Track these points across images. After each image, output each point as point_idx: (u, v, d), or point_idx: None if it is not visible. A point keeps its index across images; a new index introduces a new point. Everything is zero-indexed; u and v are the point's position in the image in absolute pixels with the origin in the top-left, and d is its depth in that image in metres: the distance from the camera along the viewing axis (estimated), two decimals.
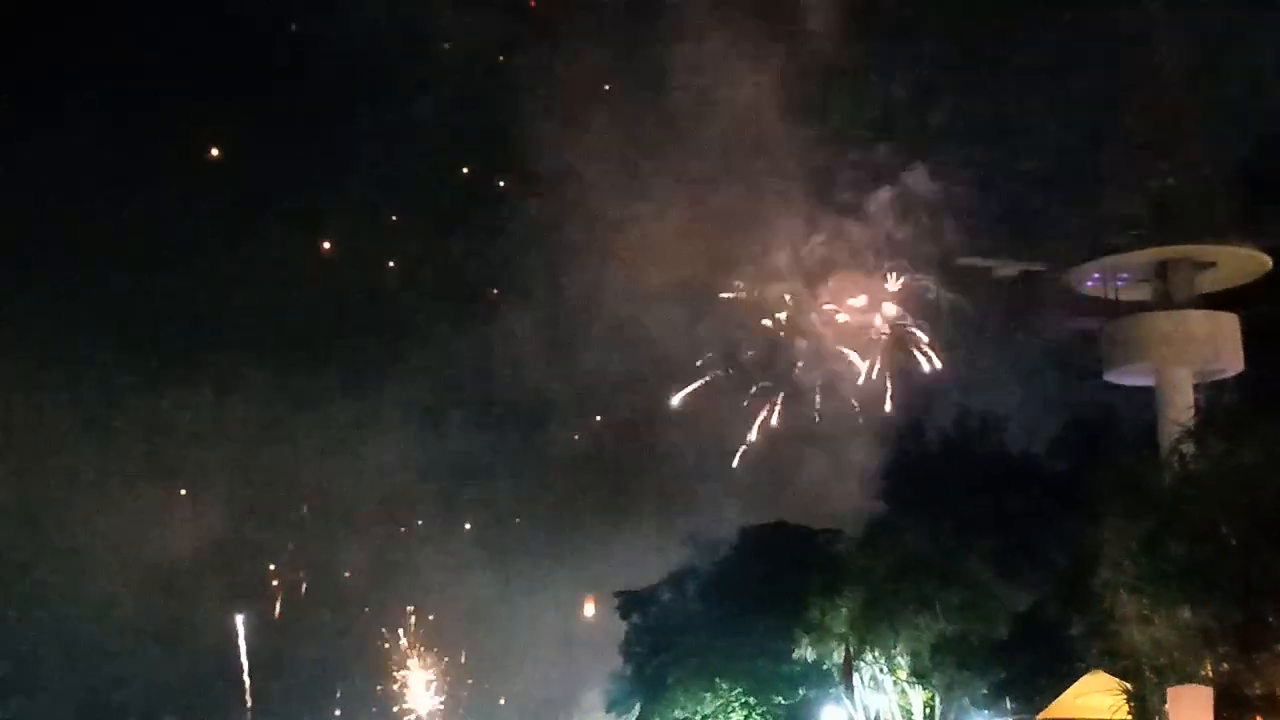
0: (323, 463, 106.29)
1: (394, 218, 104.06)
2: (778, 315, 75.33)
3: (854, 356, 73.79)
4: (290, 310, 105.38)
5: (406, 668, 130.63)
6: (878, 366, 73.55)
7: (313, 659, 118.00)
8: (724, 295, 76.37)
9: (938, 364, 72.38)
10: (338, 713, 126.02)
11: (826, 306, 74.03)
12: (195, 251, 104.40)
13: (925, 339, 72.42)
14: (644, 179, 76.40)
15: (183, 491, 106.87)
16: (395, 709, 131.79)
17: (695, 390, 79.74)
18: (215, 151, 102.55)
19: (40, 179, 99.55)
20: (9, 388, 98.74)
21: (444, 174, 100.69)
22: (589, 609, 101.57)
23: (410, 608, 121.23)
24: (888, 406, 73.30)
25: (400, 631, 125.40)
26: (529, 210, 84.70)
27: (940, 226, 70.76)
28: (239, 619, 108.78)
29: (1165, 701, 33.08)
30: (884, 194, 72.36)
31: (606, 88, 78.76)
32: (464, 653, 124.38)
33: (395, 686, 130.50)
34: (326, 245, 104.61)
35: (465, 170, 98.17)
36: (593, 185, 76.29)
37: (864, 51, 74.80)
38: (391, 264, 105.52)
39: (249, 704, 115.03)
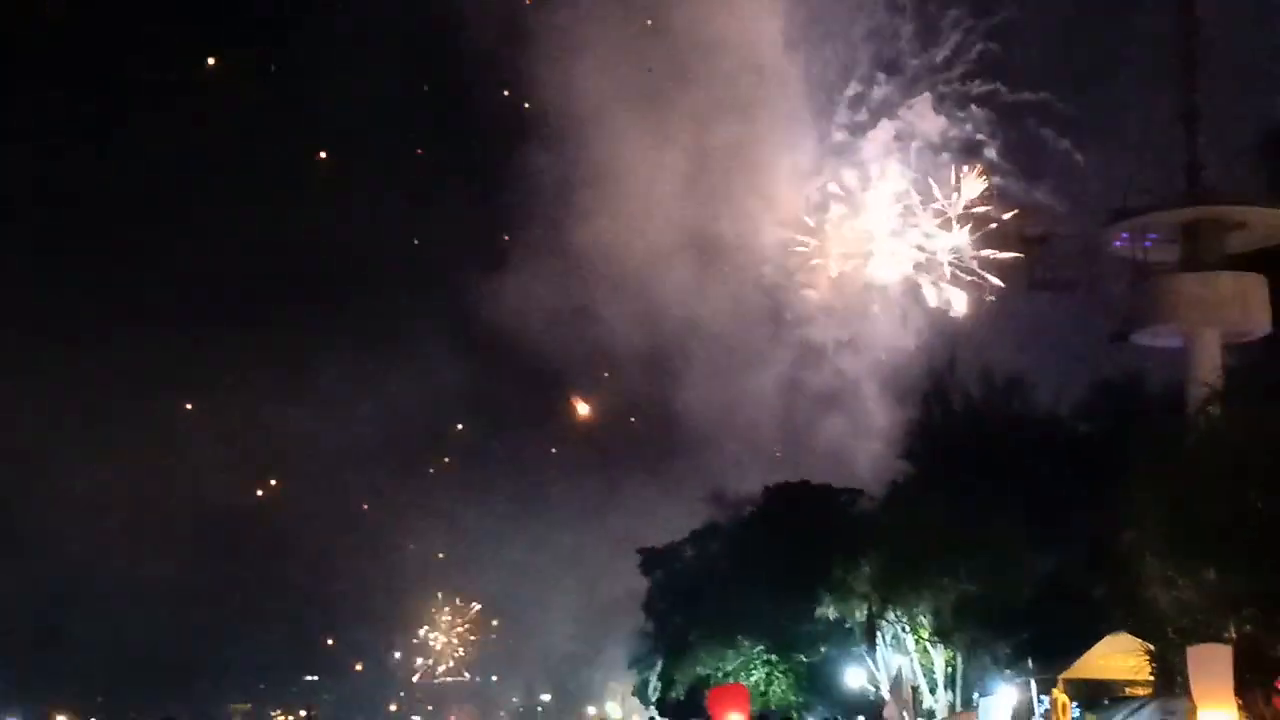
0: (343, 407, 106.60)
1: (409, 162, 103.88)
2: (797, 267, 74.72)
3: (876, 311, 73.27)
4: (307, 257, 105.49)
5: (433, 621, 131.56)
6: (902, 322, 73.11)
7: (334, 603, 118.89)
8: (741, 247, 75.73)
9: (961, 318, 71.89)
10: (359, 667, 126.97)
11: (845, 260, 73.33)
12: (209, 203, 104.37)
13: (949, 296, 71.88)
14: (654, 124, 75.75)
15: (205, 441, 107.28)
16: (419, 660, 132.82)
17: (716, 345, 79.46)
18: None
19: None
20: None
21: (455, 121, 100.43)
22: (583, 408, 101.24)
23: (440, 555, 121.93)
24: (911, 365, 72.96)
25: (428, 579, 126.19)
26: (541, 161, 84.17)
27: (965, 178, 69.98)
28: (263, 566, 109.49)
29: None
30: (907, 142, 71.52)
31: (612, 30, 77.77)
32: (490, 603, 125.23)
33: (421, 633, 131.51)
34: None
35: (473, 117, 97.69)
36: (601, 131, 75.66)
37: None
38: (411, 211, 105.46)
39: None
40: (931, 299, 71.68)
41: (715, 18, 74.02)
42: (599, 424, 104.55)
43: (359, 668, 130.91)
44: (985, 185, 68.77)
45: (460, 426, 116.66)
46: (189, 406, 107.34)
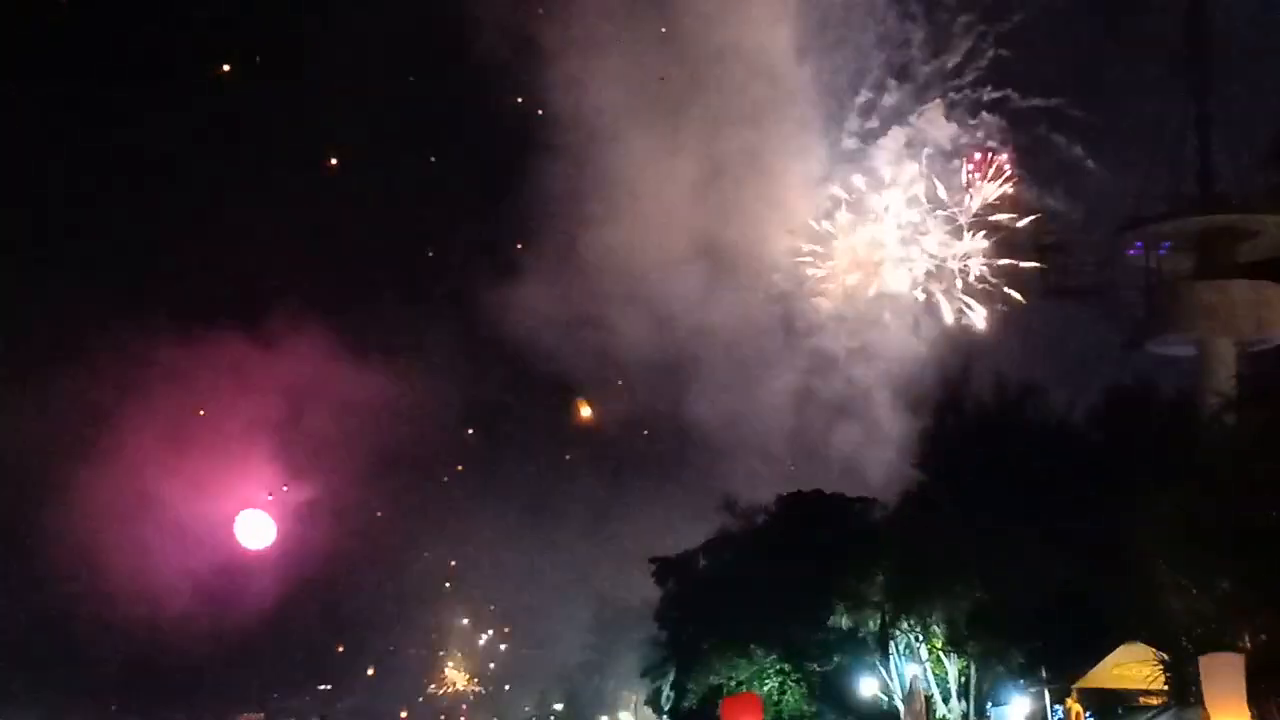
0: (354, 415, 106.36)
1: (421, 169, 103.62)
2: (808, 275, 74.46)
3: (888, 320, 73.01)
4: (316, 263, 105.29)
5: (446, 630, 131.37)
6: (914, 330, 72.84)
7: (346, 611, 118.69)
8: (752, 255, 75.46)
9: (974, 326, 71.64)
10: (370, 672, 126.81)
11: (856, 268, 73.07)
12: (227, 206, 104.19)
13: (962, 304, 71.64)
14: (666, 131, 75.52)
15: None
16: (432, 668, 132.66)
17: (728, 354, 79.26)
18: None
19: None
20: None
21: (467, 127, 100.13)
22: (585, 411, 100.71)
23: (453, 562, 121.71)
24: (923, 373, 72.71)
25: (441, 587, 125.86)
26: (553, 168, 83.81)
27: (977, 185, 69.64)
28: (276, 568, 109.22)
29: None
30: (918, 149, 71.25)
31: (625, 37, 77.46)
32: (502, 612, 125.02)
33: (434, 641, 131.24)
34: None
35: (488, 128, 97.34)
36: (614, 138, 75.43)
37: None
38: (423, 218, 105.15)
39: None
40: (944, 307, 71.51)
41: (728, 24, 73.89)
42: (611, 432, 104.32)
43: (371, 675, 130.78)
44: (1008, 176, 68.05)
45: (472, 434, 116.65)
46: (201, 413, 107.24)
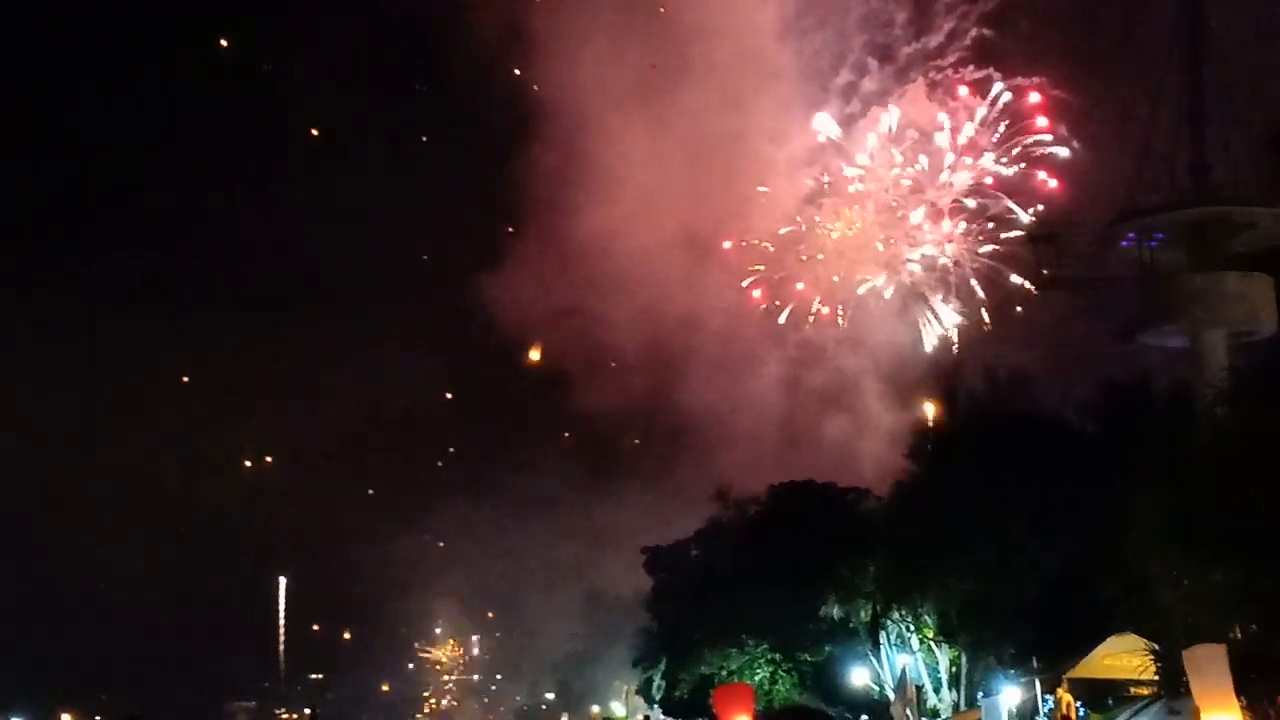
0: (348, 402, 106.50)
1: (412, 154, 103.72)
2: (793, 263, 74.23)
3: (876, 308, 72.83)
4: (308, 255, 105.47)
5: (437, 621, 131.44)
6: (902, 319, 72.73)
7: (337, 599, 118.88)
8: (737, 244, 75.24)
9: (964, 314, 71.55)
10: (362, 667, 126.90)
11: (840, 256, 72.81)
12: (210, 193, 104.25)
13: (951, 291, 71.52)
14: (652, 116, 75.40)
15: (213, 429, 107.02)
16: (423, 657, 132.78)
17: (718, 343, 79.22)
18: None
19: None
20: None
21: (457, 111, 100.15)
22: (534, 355, 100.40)
23: (440, 544, 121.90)
24: (914, 363, 72.71)
25: (431, 576, 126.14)
26: (544, 155, 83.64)
27: (965, 172, 69.45)
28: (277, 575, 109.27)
29: None
30: (901, 131, 70.96)
31: (613, 19, 77.29)
32: (493, 601, 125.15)
33: (423, 628, 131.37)
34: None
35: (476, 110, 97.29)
36: (598, 124, 75.36)
37: None
38: (418, 204, 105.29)
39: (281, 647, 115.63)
40: (933, 297, 71.49)
41: (713, 5, 73.86)
42: (604, 421, 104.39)
43: (362, 667, 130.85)
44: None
45: (464, 421, 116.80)
46: (185, 380, 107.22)
